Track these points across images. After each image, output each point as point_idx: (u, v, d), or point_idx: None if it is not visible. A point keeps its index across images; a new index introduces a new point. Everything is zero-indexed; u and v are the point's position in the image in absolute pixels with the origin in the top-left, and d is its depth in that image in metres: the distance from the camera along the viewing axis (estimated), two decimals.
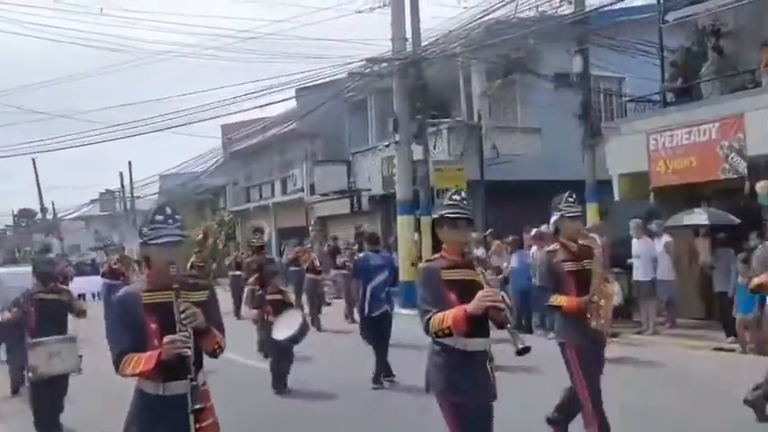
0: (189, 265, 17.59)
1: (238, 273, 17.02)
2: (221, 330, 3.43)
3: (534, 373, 8.18)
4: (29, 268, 8.19)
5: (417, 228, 17.11)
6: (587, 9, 14.20)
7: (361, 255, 9.71)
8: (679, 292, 12.20)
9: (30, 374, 6.77)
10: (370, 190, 21.66)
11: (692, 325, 12.09)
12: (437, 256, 3.84)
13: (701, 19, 13.38)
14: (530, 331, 12.47)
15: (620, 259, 12.31)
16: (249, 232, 18.72)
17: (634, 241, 12.08)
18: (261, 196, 30.38)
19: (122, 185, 42.01)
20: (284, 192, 27.63)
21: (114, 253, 15.03)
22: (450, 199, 3.83)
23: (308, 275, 14.89)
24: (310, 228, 22.82)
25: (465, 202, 3.82)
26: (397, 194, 17.79)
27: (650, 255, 11.83)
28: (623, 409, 7.34)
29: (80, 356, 6.87)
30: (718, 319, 11.22)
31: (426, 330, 3.60)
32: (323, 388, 8.65)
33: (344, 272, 15.26)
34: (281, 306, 8.78)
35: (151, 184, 40.35)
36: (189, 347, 3.17)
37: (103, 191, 47.74)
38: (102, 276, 14.41)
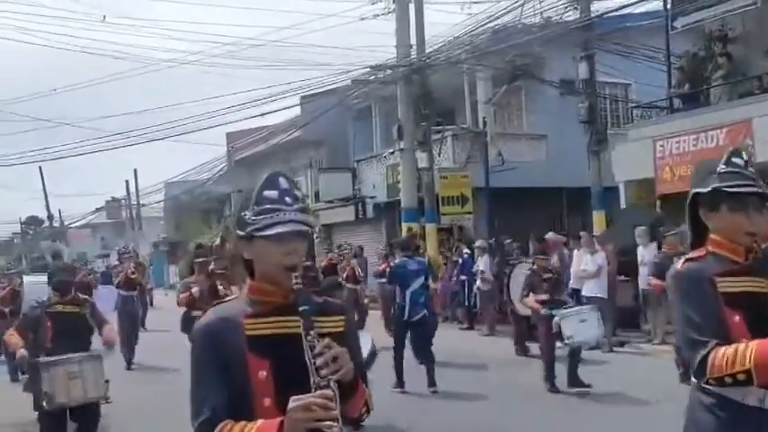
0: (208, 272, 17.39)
1: None
2: (364, 379, 2.07)
3: None
4: None
5: (422, 235, 17.01)
6: (593, 15, 14.10)
7: (397, 261, 9.74)
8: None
9: (44, 404, 5.44)
10: (374, 197, 21.58)
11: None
12: (700, 253, 2.49)
13: (708, 24, 13.26)
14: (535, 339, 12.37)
15: (626, 267, 12.17)
16: (325, 234, 17.83)
17: (640, 248, 11.94)
18: None
19: (128, 193, 42.04)
20: None
21: (130, 260, 13.67)
22: (730, 163, 2.40)
23: (348, 285, 12.65)
24: (315, 236, 22.70)
25: (752, 169, 2.39)
26: (402, 202, 17.70)
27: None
28: (632, 417, 7.24)
29: (106, 381, 5.71)
30: None
31: (699, 372, 2.29)
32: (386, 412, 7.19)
33: (382, 280, 13.52)
34: None
35: (157, 191, 40.48)
36: (335, 418, 1.80)
37: (109, 199, 47.85)
38: (117, 287, 12.92)
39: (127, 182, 41.70)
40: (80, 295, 6.27)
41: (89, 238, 52.92)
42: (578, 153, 15.26)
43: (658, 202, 13.20)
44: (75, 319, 5.88)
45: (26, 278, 7.61)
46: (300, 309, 1.91)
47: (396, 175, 19.04)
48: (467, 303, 14.77)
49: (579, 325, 8.28)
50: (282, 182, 2.04)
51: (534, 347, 11.77)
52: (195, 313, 8.27)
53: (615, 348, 11.09)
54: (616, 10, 14.06)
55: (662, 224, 12.42)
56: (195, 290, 8.48)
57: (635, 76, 17.77)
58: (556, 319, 8.27)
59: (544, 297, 8.59)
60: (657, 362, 10.11)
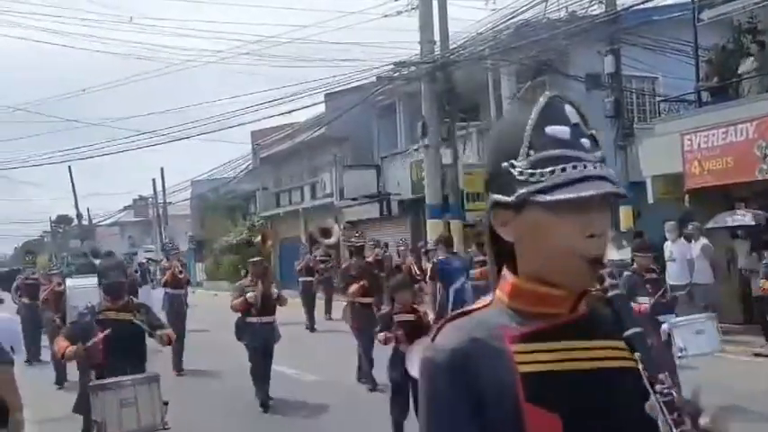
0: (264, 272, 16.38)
1: (309, 278, 15.93)
2: None
3: None
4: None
5: (447, 231, 16.98)
6: (619, 8, 13.96)
7: (441, 258, 9.80)
8: (717, 296, 11.90)
9: None
10: (399, 194, 21.59)
11: (730, 330, 11.74)
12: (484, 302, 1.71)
13: (737, 16, 13.07)
14: None
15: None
16: (316, 234, 17.66)
17: (668, 244, 11.81)
18: (290, 201, 30.49)
19: (155, 192, 42.51)
20: (314, 197, 27.69)
21: (176, 256, 12.66)
22: (544, 138, 1.28)
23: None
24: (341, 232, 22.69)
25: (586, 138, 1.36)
26: (427, 198, 17.68)
27: (686, 258, 11.55)
28: None
29: (165, 404, 5.02)
30: (758, 323, 10.92)
31: None
32: None
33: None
34: (415, 329, 6.04)
35: (183, 190, 40.88)
36: None
37: (137, 197, 48.44)
38: (164, 286, 11.97)
39: (153, 180, 42.19)
40: (134, 301, 5.51)
41: (117, 237, 53.63)
42: (604, 148, 15.03)
43: (687, 197, 13.06)
44: (129, 327, 5.15)
45: (69, 281, 6.92)
46: (629, 333, 1.15)
47: (420, 171, 19.03)
48: None
49: (694, 336, 7.07)
50: (571, 112, 1.29)
51: None
52: (251, 319, 8.10)
53: None
54: (642, 2, 13.89)
55: (691, 219, 12.30)
56: (251, 295, 7.99)
57: (662, 70, 17.54)
58: (664, 326, 7.00)
59: (646, 302, 6.95)
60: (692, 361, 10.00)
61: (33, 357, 12.38)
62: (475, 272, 9.96)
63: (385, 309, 6.57)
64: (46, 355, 11.72)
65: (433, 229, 17.34)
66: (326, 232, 17.48)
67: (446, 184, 17.21)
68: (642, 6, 14.34)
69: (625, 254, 11.05)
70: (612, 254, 11.29)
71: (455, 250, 9.95)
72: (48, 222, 62.26)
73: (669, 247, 11.68)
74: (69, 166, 38.72)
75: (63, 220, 59.14)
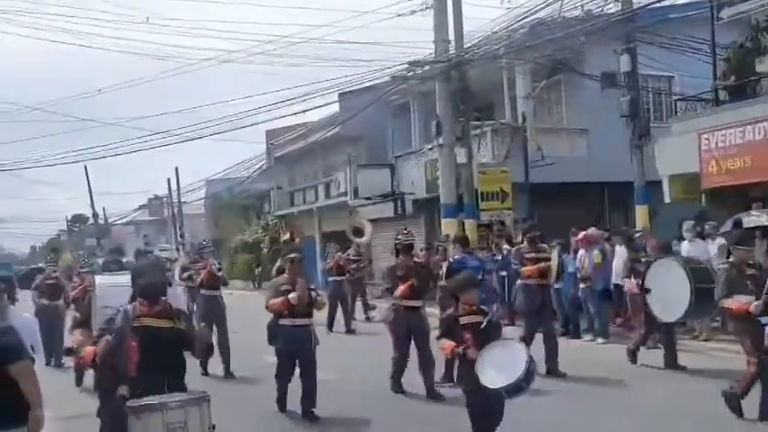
0: (276, 270, 15.67)
1: (340, 278, 15.30)
2: None
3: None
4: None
5: (462, 230, 16.96)
6: (635, 6, 13.87)
7: (456, 257, 9.72)
8: None
9: None
10: (413, 193, 21.57)
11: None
12: None
13: (755, 15, 12.96)
14: (578, 336, 12.24)
15: None
16: (348, 232, 17.29)
17: (685, 244, 11.73)
18: (305, 200, 30.55)
19: (170, 191, 42.73)
20: (328, 196, 27.72)
21: (211, 254, 11.68)
22: None
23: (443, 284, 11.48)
24: (348, 232, 22.65)
25: None
26: (441, 198, 17.66)
27: (703, 258, 11.45)
28: (679, 416, 7.12)
29: (212, 427, 4.32)
30: None
31: None
32: None
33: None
34: (484, 333, 5.26)
35: (197, 189, 41.08)
36: None
37: (152, 196, 48.73)
38: (200, 286, 10.98)
39: (168, 180, 42.38)
40: (171, 305, 4.67)
41: (132, 236, 53.98)
42: (619, 147, 15.04)
43: (704, 197, 12.97)
44: (168, 336, 4.46)
45: (99, 278, 6.26)
46: None
47: (435, 170, 19.00)
48: (507, 300, 14.67)
49: None
50: None
51: (576, 344, 11.70)
52: (284, 321, 7.37)
53: (660, 345, 10.91)
54: (658, 1, 13.80)
55: (708, 219, 12.21)
56: (294, 296, 7.18)
57: (678, 69, 17.44)
58: None
59: (745, 300, 6.32)
60: (707, 359, 9.95)
61: (56, 363, 11.57)
62: (526, 269, 9.44)
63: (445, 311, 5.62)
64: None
65: (448, 228, 17.32)
66: (359, 231, 17.06)
67: (460, 183, 17.17)
68: (659, 5, 14.23)
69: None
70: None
71: (470, 249, 9.69)
72: (64, 221, 62.95)
73: (686, 247, 11.60)
74: (85, 166, 39.01)
75: (79, 219, 59.67)
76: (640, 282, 9.14)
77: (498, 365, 4.95)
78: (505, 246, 14.90)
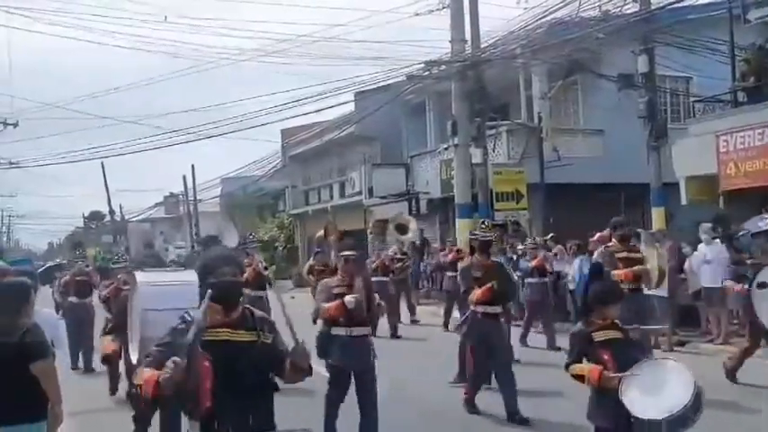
0: (306, 270, 14.50)
1: (384, 278, 13.83)
2: None
3: None
4: (186, 276, 4.51)
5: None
6: (653, 7, 13.77)
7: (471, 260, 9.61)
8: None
9: None
10: (428, 193, 21.56)
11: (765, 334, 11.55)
12: None
13: None
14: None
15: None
16: (379, 228, 16.54)
17: (702, 246, 11.65)
18: (320, 199, 30.62)
19: (185, 189, 42.94)
20: (342, 195, 27.77)
21: (257, 251, 10.66)
22: None
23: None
24: (368, 230, 22.66)
25: None
26: (456, 197, 17.64)
27: (721, 261, 11.37)
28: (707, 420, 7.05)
29: None
30: None
31: None
32: None
33: (451, 273, 13.11)
34: (624, 354, 4.22)
35: (213, 187, 41.26)
36: None
37: (167, 194, 48.99)
38: (246, 285, 9.65)
39: (184, 177, 42.60)
40: (254, 312, 3.41)
41: (148, 233, 54.31)
42: (636, 148, 14.96)
43: (721, 199, 12.86)
44: (252, 354, 3.25)
45: (141, 275, 5.13)
46: None
47: (450, 170, 18.99)
48: (519, 300, 14.63)
49: None
50: None
51: None
52: (337, 331, 6.12)
53: (675, 348, 10.85)
54: (677, 1, 13.69)
55: (725, 221, 12.11)
56: (351, 299, 5.97)
57: (696, 69, 17.31)
58: None
59: None
60: (717, 360, 9.85)
61: (85, 366, 10.82)
62: (618, 272, 7.72)
63: (578, 327, 4.50)
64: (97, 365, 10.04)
65: (462, 228, 17.30)
66: (403, 228, 16.39)
67: (475, 183, 17.15)
68: (678, 5, 14.12)
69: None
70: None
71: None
72: (81, 218, 63.42)
73: (703, 250, 11.51)
74: (102, 163, 39.36)
75: (95, 216, 60.07)
76: (747, 286, 8.04)
77: (650, 391, 3.96)
78: (520, 246, 14.86)
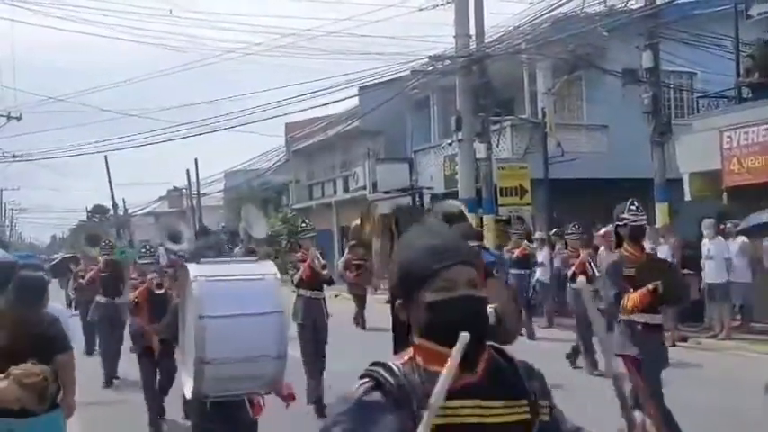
0: (342, 265, 13.65)
1: None
2: None
3: None
4: (260, 267, 3.74)
5: (480, 226, 16.95)
6: (659, 2, 13.78)
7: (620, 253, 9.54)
8: (754, 294, 11.74)
9: None
10: (432, 188, 21.60)
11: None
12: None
13: None
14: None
15: (690, 261, 11.91)
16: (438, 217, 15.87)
17: (705, 242, 11.68)
18: (323, 194, 30.68)
19: (189, 183, 43.00)
20: (346, 189, 27.82)
21: (312, 242, 8.32)
22: None
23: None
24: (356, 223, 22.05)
25: None
26: (460, 193, 17.66)
27: (724, 256, 11.41)
28: (696, 414, 7.12)
29: None
30: None
31: None
32: None
33: None
34: None
35: (217, 181, 41.29)
36: None
37: (171, 188, 49.06)
38: (298, 286, 7.85)
39: (188, 171, 42.64)
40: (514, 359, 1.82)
41: (152, 227, 54.40)
42: (639, 144, 14.97)
43: (725, 195, 12.89)
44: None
45: (195, 267, 3.76)
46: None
47: (453, 165, 19.02)
48: (523, 296, 14.67)
49: None
50: None
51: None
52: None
53: (678, 343, 10.90)
54: None
55: (729, 217, 12.14)
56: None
57: (700, 65, 17.30)
58: None
59: None
60: (724, 358, 9.91)
61: (107, 379, 9.48)
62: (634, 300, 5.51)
63: None
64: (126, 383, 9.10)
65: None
66: (451, 217, 15.30)
67: (479, 178, 17.18)
68: (682, 0, 14.12)
69: (664, 249, 10.87)
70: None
71: (485, 245, 9.76)
72: (84, 212, 63.58)
73: (707, 245, 11.56)
74: (105, 157, 39.36)
75: (99, 209, 60.19)
76: None
77: None
78: (525, 242, 14.88)
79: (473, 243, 4.90)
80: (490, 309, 3.59)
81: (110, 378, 9.59)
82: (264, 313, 2.55)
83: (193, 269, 3.63)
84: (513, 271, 12.27)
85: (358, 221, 11.93)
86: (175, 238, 12.53)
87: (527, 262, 12.41)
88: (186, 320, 3.79)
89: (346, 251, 8.36)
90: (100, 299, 9.91)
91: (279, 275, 3.03)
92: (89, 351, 11.04)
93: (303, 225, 8.68)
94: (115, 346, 9.53)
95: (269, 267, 3.09)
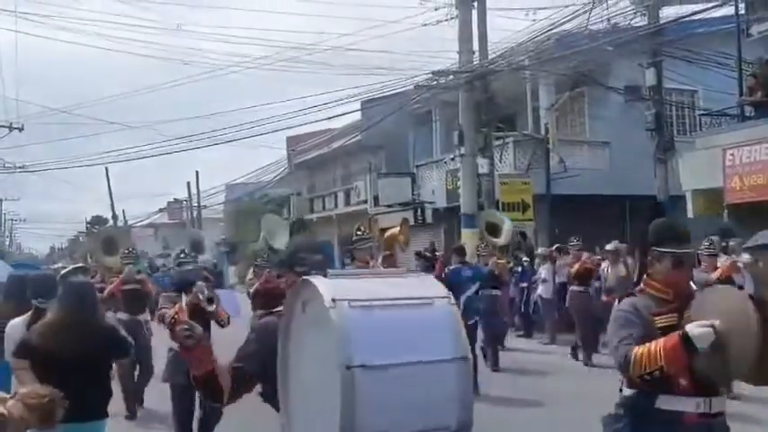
0: None
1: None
2: None
3: None
4: (423, 285, 2.29)
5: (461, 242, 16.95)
6: (662, 21, 13.88)
7: (452, 267, 9.78)
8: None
9: None
10: (433, 203, 21.63)
11: None
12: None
13: None
14: (596, 351, 12.20)
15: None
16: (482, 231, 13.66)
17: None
18: (324, 207, 30.71)
19: (189, 195, 43.06)
20: (347, 203, 27.85)
21: (371, 251, 7.97)
22: None
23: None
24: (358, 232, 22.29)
25: None
26: (462, 207, 17.69)
27: None
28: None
29: None
30: None
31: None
32: None
33: None
34: None
35: (218, 193, 41.36)
36: None
37: (171, 200, 49.13)
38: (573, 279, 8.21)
39: (188, 183, 42.72)
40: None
41: (151, 238, 54.37)
42: (642, 161, 15.03)
43: (726, 212, 12.91)
44: None
45: (324, 286, 2.08)
46: None
47: (455, 180, 19.04)
48: (524, 311, 14.67)
49: None
50: None
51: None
52: None
53: None
54: (688, 16, 13.79)
55: (731, 234, 12.14)
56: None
57: (701, 83, 17.40)
58: None
59: None
60: None
61: (129, 409, 8.16)
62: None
63: None
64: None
65: (468, 238, 17.34)
66: (495, 228, 13.44)
67: (481, 193, 17.20)
68: (686, 19, 14.23)
69: None
70: None
71: (467, 259, 10.02)
72: (83, 223, 63.55)
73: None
74: (106, 168, 39.46)
75: (98, 221, 60.15)
76: None
77: None
78: (525, 258, 14.88)
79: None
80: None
81: (133, 410, 8.23)
82: (442, 361, 1.80)
83: (326, 287, 2.11)
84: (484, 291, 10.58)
85: (397, 229, 10.87)
86: (198, 247, 11.16)
87: (500, 280, 11.43)
88: (302, 365, 2.27)
89: (379, 260, 7.33)
90: (121, 316, 8.14)
91: (451, 299, 2.13)
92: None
93: (359, 233, 7.08)
94: (142, 373, 8.45)
95: (435, 286, 2.15)
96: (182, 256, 7.83)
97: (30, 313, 4.58)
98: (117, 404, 6.91)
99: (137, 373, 8.44)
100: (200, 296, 5.76)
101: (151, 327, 8.57)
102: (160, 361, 6.82)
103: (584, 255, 11.38)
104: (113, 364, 6.32)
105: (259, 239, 13.22)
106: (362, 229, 7.05)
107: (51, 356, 3.85)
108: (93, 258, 12.15)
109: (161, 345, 6.90)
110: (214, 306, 5.87)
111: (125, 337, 4.26)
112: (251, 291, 9.23)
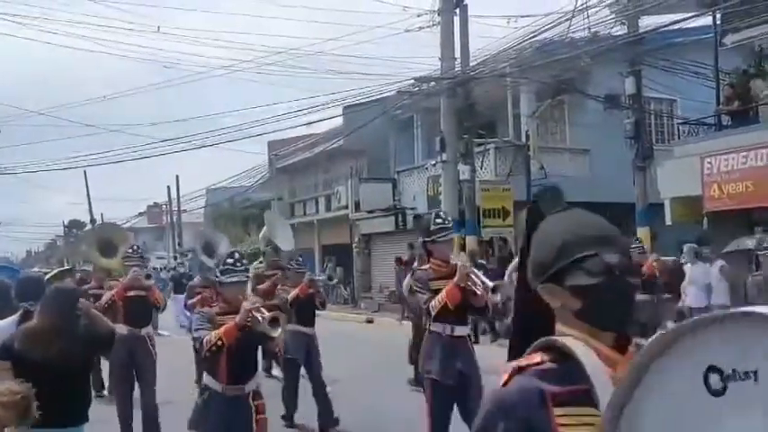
0: (408, 289, 12.49)
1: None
2: None
3: None
4: None
5: (462, 248, 17.00)
6: (642, 30, 14.04)
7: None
8: None
9: None
10: (415, 208, 21.66)
11: None
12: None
13: (759, 41, 13.13)
14: None
15: (670, 285, 12.00)
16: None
17: (688, 266, 11.79)
18: (305, 212, 30.62)
19: (169, 199, 42.76)
20: (328, 209, 27.80)
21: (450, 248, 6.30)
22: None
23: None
24: (355, 246, 22.66)
25: None
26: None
27: (705, 281, 11.51)
28: None
29: None
30: None
31: None
32: None
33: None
34: None
35: (198, 198, 41.11)
36: None
37: (151, 204, 48.74)
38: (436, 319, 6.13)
39: (168, 187, 42.42)
40: None
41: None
42: (621, 168, 15.15)
43: (705, 220, 13.06)
44: None
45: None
46: None
47: (437, 186, 19.09)
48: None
49: None
50: None
51: None
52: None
53: None
54: (667, 26, 13.96)
55: (709, 242, 12.28)
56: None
57: (680, 92, 17.60)
58: None
59: None
60: None
61: None
62: None
63: None
64: None
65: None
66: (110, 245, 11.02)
67: (462, 199, 17.25)
68: (665, 29, 14.40)
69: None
70: None
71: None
72: (60, 226, 62.82)
73: (687, 270, 11.66)
74: (84, 171, 39.09)
75: (75, 224, 59.51)
76: None
77: None
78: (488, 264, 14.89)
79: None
80: None
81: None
82: None
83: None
84: None
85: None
86: (210, 250, 9.76)
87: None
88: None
89: (409, 276, 6.90)
90: (121, 328, 6.50)
91: None
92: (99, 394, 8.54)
93: (438, 221, 5.46)
94: (146, 395, 6.87)
95: None
96: (129, 251, 7.27)
97: (18, 315, 4.54)
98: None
99: (136, 392, 6.98)
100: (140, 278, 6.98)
101: (155, 343, 7.20)
102: (165, 380, 6.01)
103: None
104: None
105: (259, 239, 12.57)
106: (443, 215, 5.53)
107: (30, 362, 3.82)
108: (83, 261, 11.15)
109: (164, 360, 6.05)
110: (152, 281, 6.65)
111: (102, 330, 4.22)
112: (289, 298, 7.65)
